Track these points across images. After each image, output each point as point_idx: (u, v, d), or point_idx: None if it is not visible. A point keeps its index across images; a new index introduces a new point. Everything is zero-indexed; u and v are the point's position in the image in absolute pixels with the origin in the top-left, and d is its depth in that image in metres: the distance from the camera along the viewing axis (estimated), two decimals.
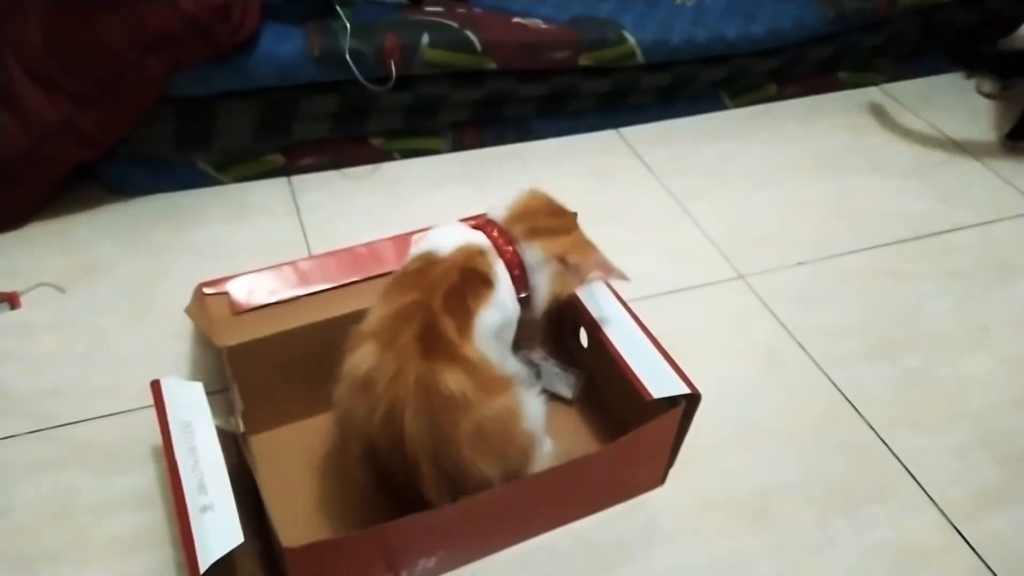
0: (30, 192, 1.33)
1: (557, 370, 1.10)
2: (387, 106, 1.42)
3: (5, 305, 1.20)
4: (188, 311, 0.96)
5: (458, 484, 0.83)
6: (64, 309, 1.22)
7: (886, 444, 1.07)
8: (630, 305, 1.04)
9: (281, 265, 1.14)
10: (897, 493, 1.02)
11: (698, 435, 0.99)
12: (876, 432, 1.09)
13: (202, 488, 0.80)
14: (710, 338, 1.22)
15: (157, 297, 1.24)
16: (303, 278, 1.15)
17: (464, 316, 0.87)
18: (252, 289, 1.12)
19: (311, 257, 1.21)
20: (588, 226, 1.02)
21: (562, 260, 0.94)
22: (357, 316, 1.05)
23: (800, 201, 1.50)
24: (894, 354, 1.20)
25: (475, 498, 0.83)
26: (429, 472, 0.82)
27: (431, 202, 1.45)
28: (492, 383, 0.86)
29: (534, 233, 0.94)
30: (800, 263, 1.36)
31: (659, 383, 0.92)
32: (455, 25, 1.38)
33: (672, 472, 1.01)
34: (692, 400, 0.92)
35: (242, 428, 0.88)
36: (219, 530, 0.76)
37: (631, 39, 1.49)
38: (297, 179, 1.48)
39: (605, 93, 1.58)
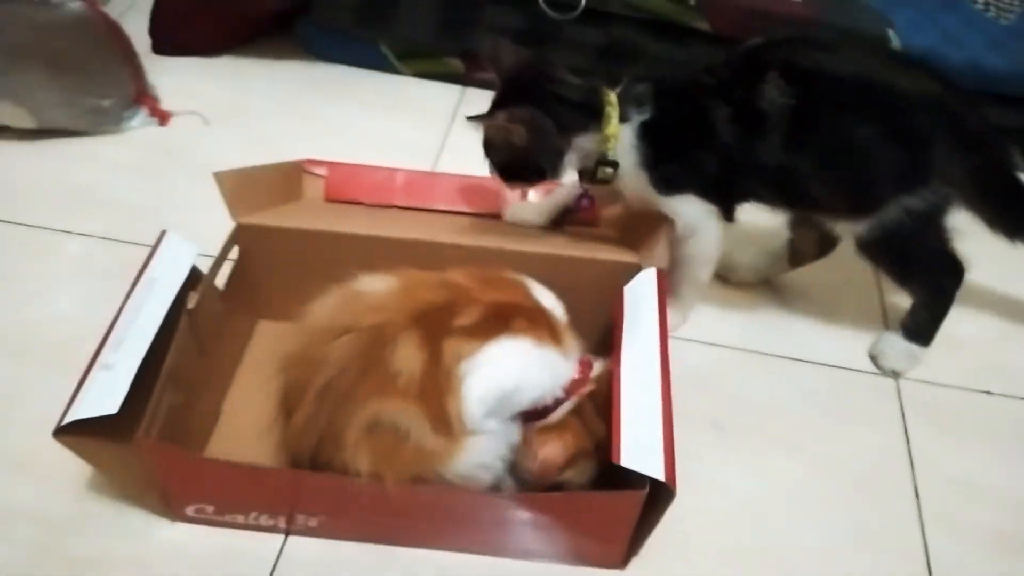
0: (226, 27, 1.39)
1: None
2: (573, 40, 1.26)
3: (155, 120, 1.28)
4: (217, 176, 0.93)
5: (323, 448, 0.73)
6: (198, 139, 1.27)
7: None
8: (674, 343, 0.83)
9: (386, 168, 1.07)
10: None
11: (707, 532, 0.83)
12: None
13: (118, 345, 0.77)
14: (804, 426, 0.95)
15: (281, 158, 1.23)
16: (405, 188, 1.08)
17: (490, 326, 0.75)
18: (349, 181, 1.07)
19: (427, 172, 1.14)
20: None
21: (526, 440, 0.79)
22: (402, 244, 0.98)
23: None
24: None
25: (326, 477, 0.74)
26: (307, 410, 0.73)
27: None
28: (440, 415, 0.72)
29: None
30: (988, 392, 1.01)
31: (637, 452, 0.72)
32: None
33: (647, 564, 0.81)
34: (662, 491, 0.70)
35: (191, 305, 0.83)
36: (104, 392, 0.73)
37: (895, 41, 1.17)
38: (472, 92, 1.40)
39: None
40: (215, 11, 1.35)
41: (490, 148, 0.92)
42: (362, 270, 0.80)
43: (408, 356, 0.72)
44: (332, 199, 1.07)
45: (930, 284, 0.99)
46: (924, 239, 0.93)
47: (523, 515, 0.75)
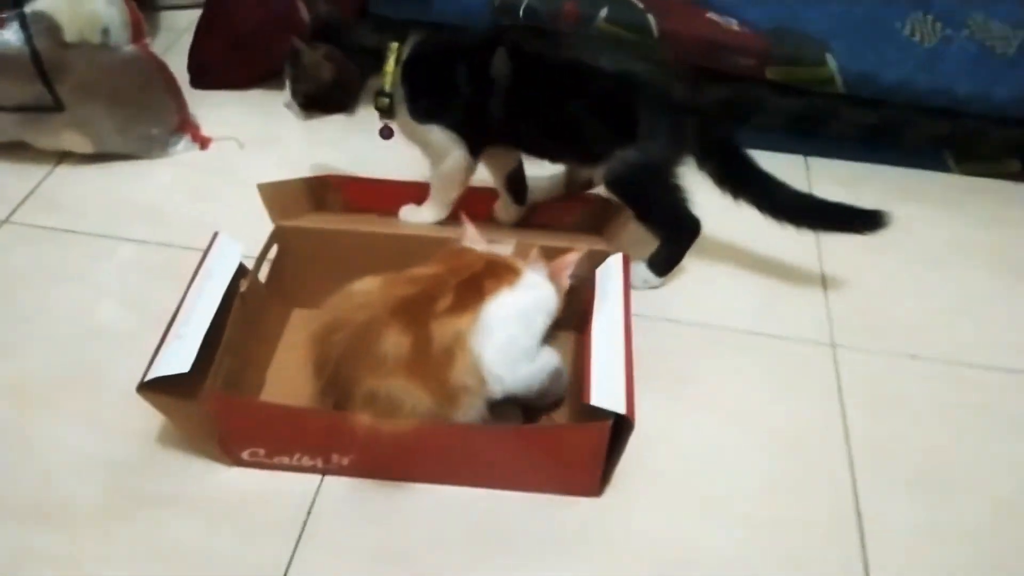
0: (255, 65, 1.59)
1: None
2: None
3: (197, 144, 1.48)
4: (260, 186, 1.12)
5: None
6: (234, 161, 1.46)
7: None
8: (634, 314, 1.01)
9: (395, 181, 1.27)
10: None
11: (671, 475, 1.00)
12: None
13: (188, 319, 0.96)
14: (747, 392, 1.13)
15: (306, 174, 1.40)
16: (410, 198, 1.26)
17: (470, 300, 0.92)
18: (365, 192, 1.27)
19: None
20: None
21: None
22: (413, 239, 1.16)
23: (963, 295, 1.29)
24: (948, 497, 1.01)
25: (356, 419, 0.90)
26: (321, 385, 0.94)
27: None
28: (440, 386, 0.89)
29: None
30: (913, 356, 1.19)
31: (603, 394, 0.89)
32: (640, 6, 1.38)
33: (622, 491, 0.98)
34: (624, 424, 0.88)
35: (243, 288, 1.02)
36: (177, 356, 0.91)
37: (832, 64, 1.36)
38: None
39: (796, 115, 1.47)
40: (244, 52, 1.55)
41: (297, 81, 1.15)
42: (375, 263, 0.99)
43: (394, 342, 0.89)
44: (351, 208, 1.26)
45: (667, 229, 1.22)
46: (653, 189, 1.17)
47: (510, 445, 0.93)
